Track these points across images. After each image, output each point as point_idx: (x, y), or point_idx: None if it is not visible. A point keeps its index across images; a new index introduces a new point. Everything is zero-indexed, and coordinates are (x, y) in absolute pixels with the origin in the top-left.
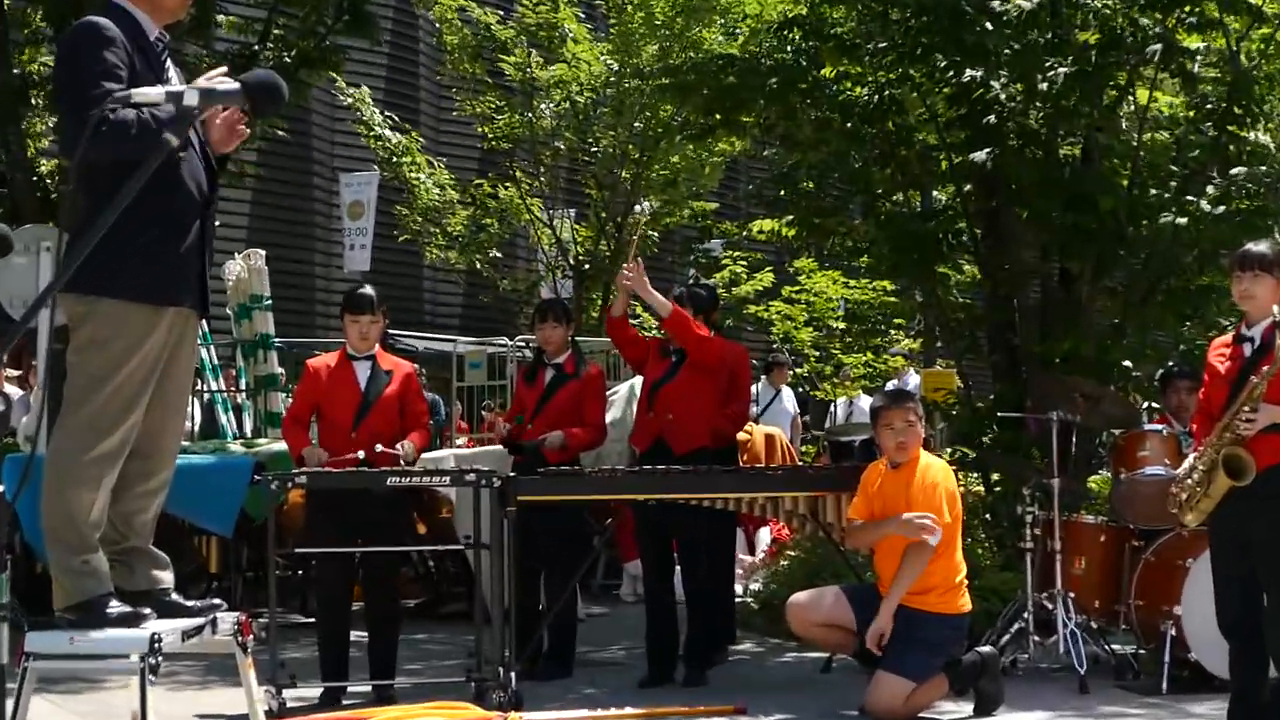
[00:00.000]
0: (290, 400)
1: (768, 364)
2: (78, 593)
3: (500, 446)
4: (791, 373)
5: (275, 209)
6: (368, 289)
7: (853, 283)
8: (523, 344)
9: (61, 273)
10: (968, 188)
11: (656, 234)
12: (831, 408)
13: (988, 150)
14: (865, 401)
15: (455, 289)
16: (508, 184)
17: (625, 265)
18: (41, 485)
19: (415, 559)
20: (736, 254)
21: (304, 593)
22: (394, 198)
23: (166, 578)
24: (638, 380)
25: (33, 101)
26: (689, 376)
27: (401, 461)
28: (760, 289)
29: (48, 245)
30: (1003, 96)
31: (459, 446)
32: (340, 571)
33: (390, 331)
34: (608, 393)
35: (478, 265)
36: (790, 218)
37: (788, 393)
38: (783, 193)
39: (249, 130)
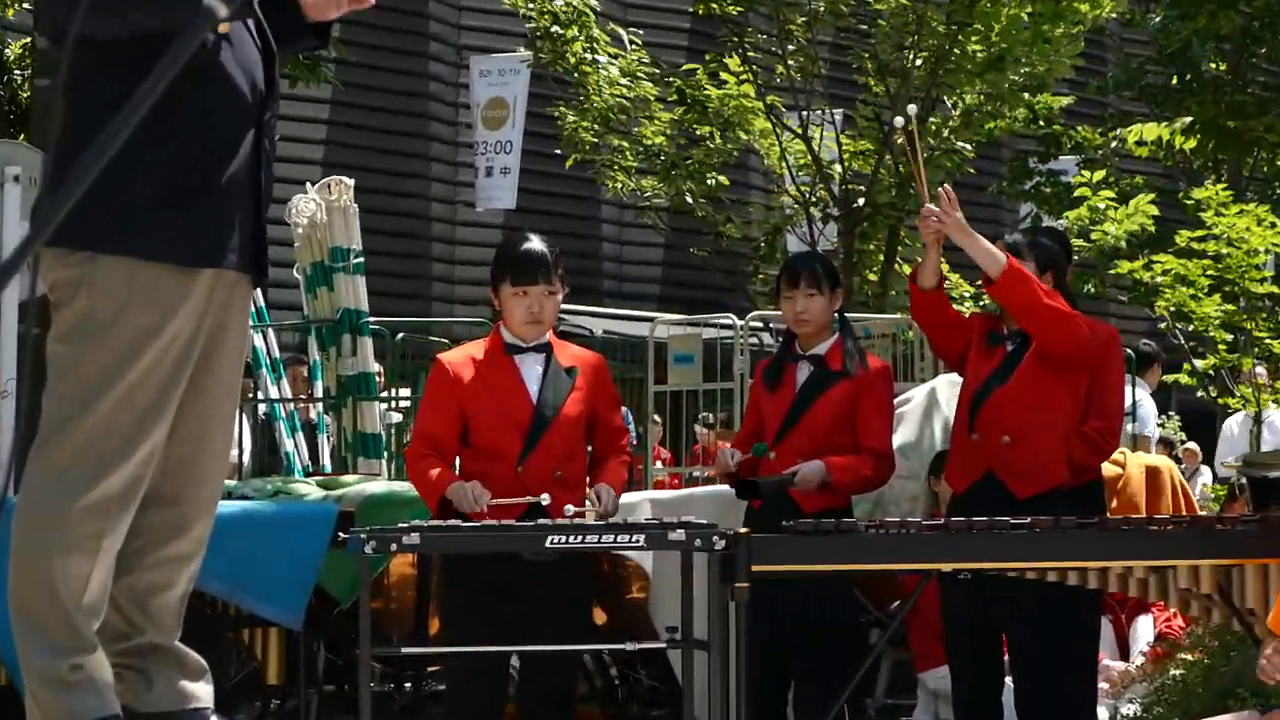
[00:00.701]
0: (413, 416)
1: (1139, 354)
2: (63, 716)
3: (725, 487)
4: (1186, 368)
5: (369, 116)
6: (536, 241)
7: None
8: (759, 324)
9: (42, 218)
10: None
11: (969, 147)
12: (1227, 426)
13: None
14: None
15: (652, 238)
16: (735, 72)
17: (923, 204)
18: (9, 550)
19: (591, 665)
20: (1100, 178)
21: (417, 717)
22: (555, 95)
23: (201, 692)
24: (945, 382)
25: None
26: (1034, 375)
27: (592, 516)
28: (1137, 234)
29: (17, 173)
30: None
31: (659, 487)
32: (475, 685)
33: None
34: (896, 400)
35: (688, 200)
36: (1189, 120)
37: (1147, 401)
38: (1176, 80)
39: None
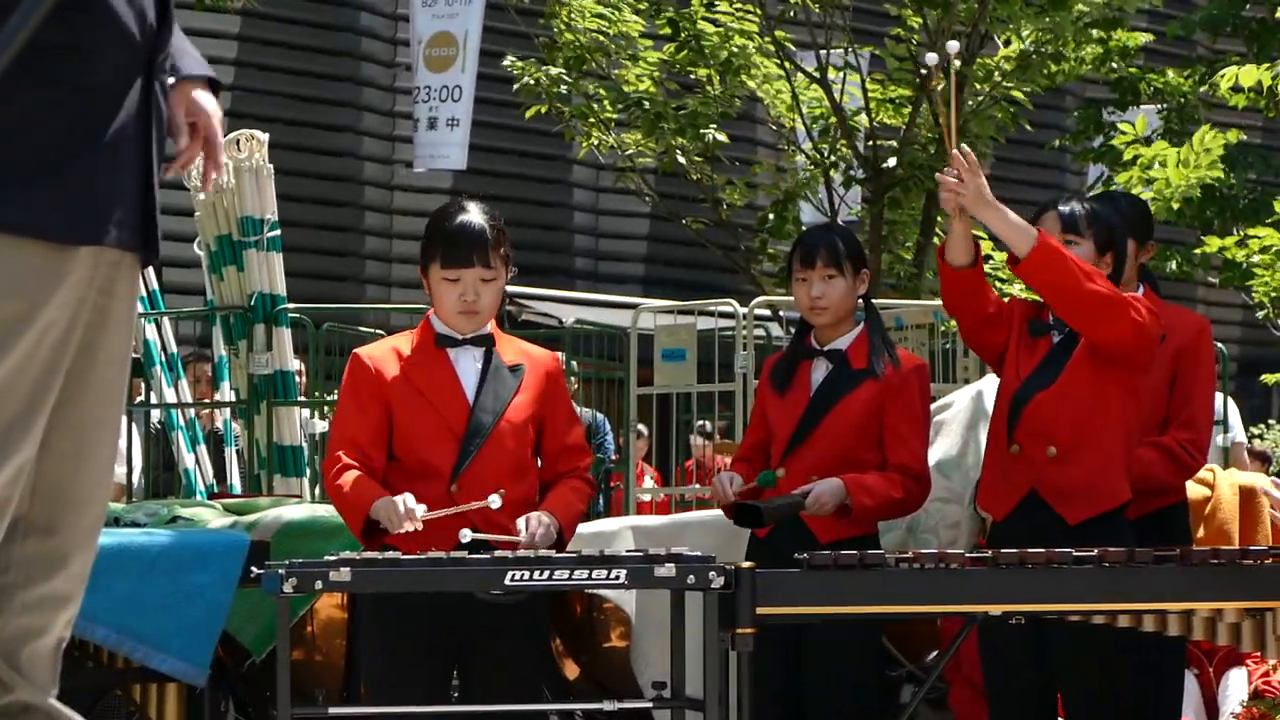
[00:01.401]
0: (327, 423)
1: None
2: None
3: (719, 512)
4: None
5: (286, 55)
6: (474, 212)
7: None
8: (766, 313)
9: None
10: None
11: (1023, 95)
12: None
13: None
14: None
15: (635, 207)
16: (737, 3)
17: (950, 164)
18: None
19: None
20: (1185, 128)
21: None
22: (514, 32)
23: None
24: (994, 384)
25: None
26: (1086, 374)
27: (528, 541)
28: (1228, 202)
29: None
30: None
31: (644, 511)
32: None
33: (515, 292)
34: (934, 406)
35: (679, 160)
36: None
37: (1232, 405)
38: None
39: None
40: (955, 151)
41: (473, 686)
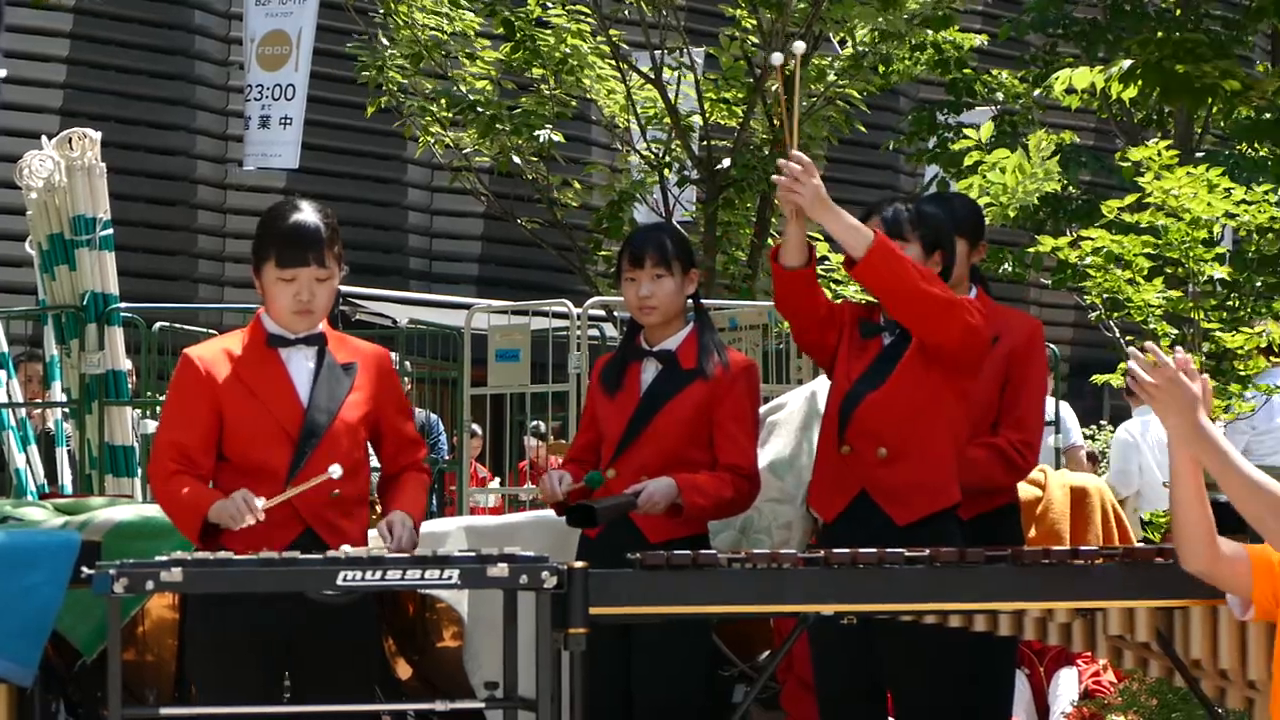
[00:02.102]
0: (156, 424)
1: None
2: None
3: (552, 513)
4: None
5: (118, 53)
6: (308, 211)
7: (1248, 193)
8: (600, 313)
9: None
10: None
11: (860, 96)
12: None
13: None
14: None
15: (470, 207)
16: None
17: (786, 159)
18: None
19: None
20: (990, 134)
21: None
22: (349, 30)
23: None
24: (822, 386)
25: None
26: (916, 375)
27: (397, 547)
28: (1061, 203)
29: None
30: None
31: (477, 513)
32: None
33: (349, 292)
34: (763, 409)
35: (514, 160)
36: (1128, 64)
37: (1066, 408)
38: (1112, 15)
39: None
40: (792, 153)
41: (304, 686)
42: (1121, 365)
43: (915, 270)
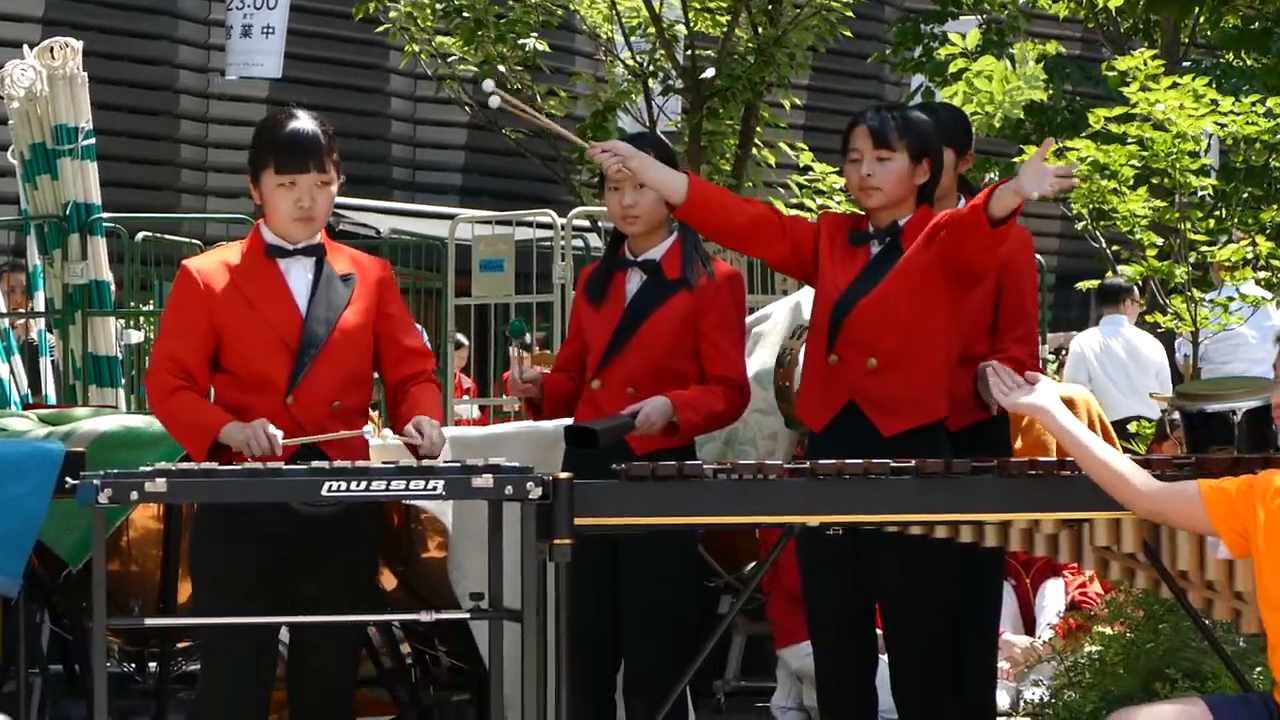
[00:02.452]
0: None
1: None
2: None
3: (544, 423)
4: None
5: None
6: (305, 119)
7: (1235, 104)
8: (585, 223)
9: None
10: None
11: (845, 4)
12: (1178, 345)
13: None
14: (1254, 333)
15: (454, 116)
16: None
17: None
18: None
19: (378, 640)
20: (1003, 39)
21: (162, 704)
22: None
23: None
24: (807, 296)
25: None
26: (910, 284)
27: (429, 448)
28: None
29: None
30: None
31: (461, 424)
32: (236, 666)
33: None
34: (750, 319)
35: (499, 69)
36: None
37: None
38: None
39: None
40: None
41: (292, 597)
42: (1107, 274)
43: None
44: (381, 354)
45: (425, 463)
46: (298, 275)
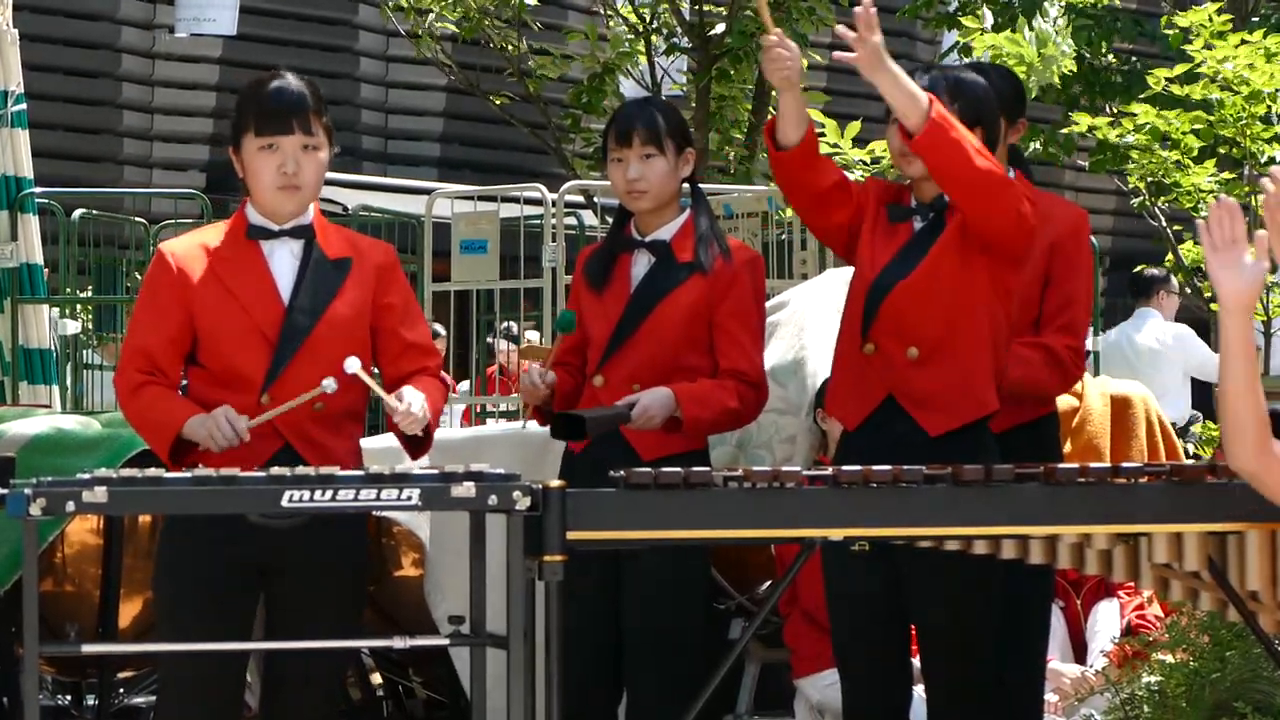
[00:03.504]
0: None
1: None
2: None
3: (533, 424)
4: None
5: None
6: (290, 79)
7: None
8: (580, 199)
9: None
10: None
11: None
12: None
13: None
14: None
15: (432, 79)
16: None
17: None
18: None
19: (349, 669)
20: None
21: None
22: None
23: None
24: (836, 279)
25: None
26: (953, 265)
27: (405, 412)
28: (1098, 75)
29: None
30: None
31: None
32: (198, 700)
33: None
34: (769, 305)
35: (486, 29)
36: None
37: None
38: None
39: None
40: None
41: (248, 624)
42: (1169, 257)
43: (972, 145)
44: (380, 348)
45: (400, 468)
46: (282, 259)
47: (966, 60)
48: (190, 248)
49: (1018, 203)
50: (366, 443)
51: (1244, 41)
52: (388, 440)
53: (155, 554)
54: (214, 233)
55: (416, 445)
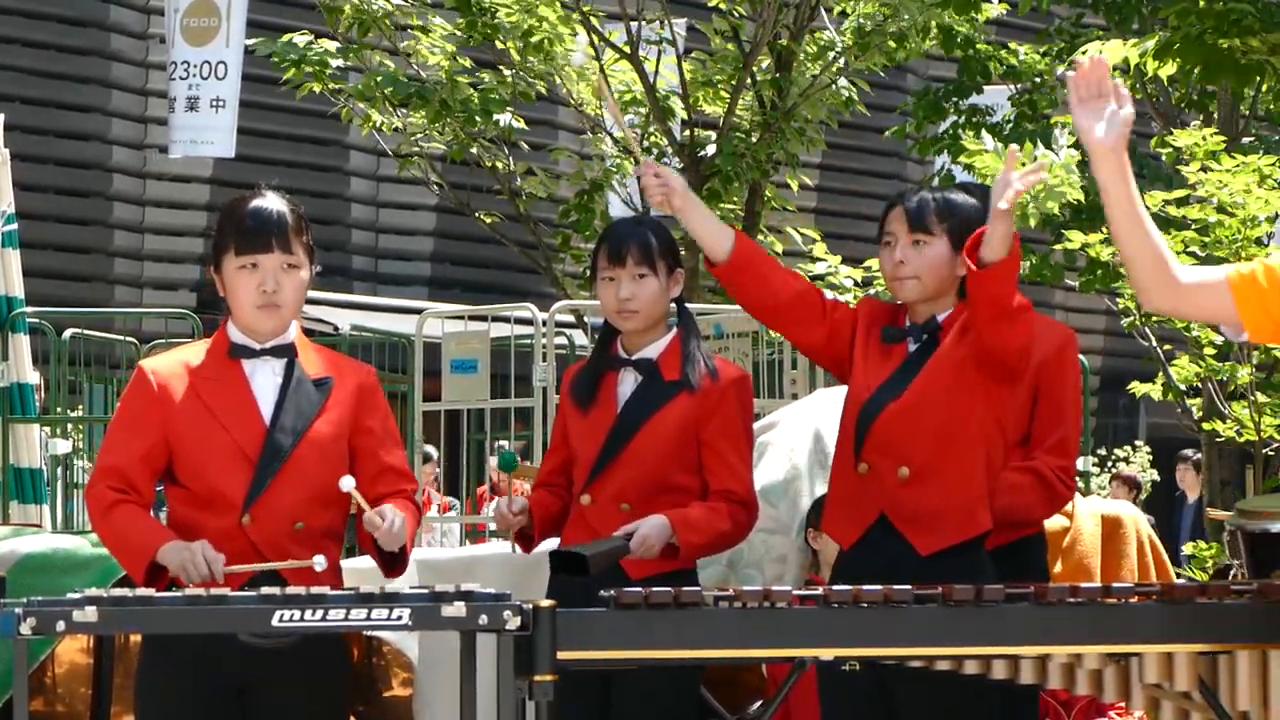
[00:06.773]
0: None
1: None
2: None
3: (517, 548)
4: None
5: (25, 27)
6: (271, 198)
7: None
8: (570, 320)
9: None
10: None
11: (864, 74)
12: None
13: None
14: None
15: (420, 199)
16: None
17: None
18: None
19: None
20: (1037, 111)
21: None
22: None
23: None
24: (826, 399)
25: None
26: (943, 385)
27: (388, 529)
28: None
29: None
30: None
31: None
32: None
33: None
34: (757, 425)
35: (474, 152)
36: (1165, 37)
37: None
38: None
39: None
40: (636, 148)
41: None
42: (1159, 377)
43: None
44: (357, 470)
45: (389, 588)
46: (264, 378)
47: (956, 182)
48: (172, 365)
49: (1030, 327)
50: (346, 564)
51: (1241, 163)
52: (367, 561)
53: (136, 673)
54: (196, 351)
55: (392, 564)
